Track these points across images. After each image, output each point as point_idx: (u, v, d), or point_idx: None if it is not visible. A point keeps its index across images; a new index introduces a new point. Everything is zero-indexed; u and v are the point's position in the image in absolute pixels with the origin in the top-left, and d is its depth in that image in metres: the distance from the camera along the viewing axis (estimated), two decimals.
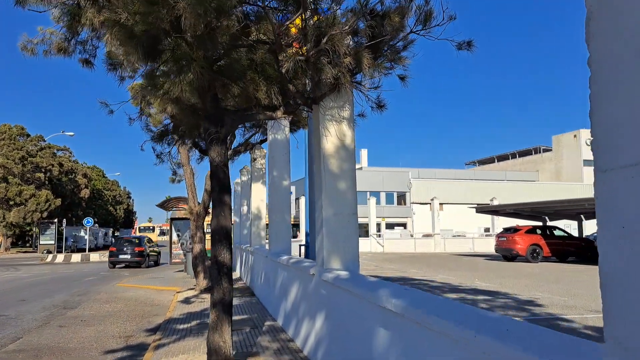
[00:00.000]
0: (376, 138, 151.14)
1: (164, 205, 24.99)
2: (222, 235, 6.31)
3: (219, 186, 6.46)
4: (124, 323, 11.08)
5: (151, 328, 10.36)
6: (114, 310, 12.98)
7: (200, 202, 16.07)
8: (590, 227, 39.58)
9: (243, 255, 19.52)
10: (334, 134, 6.75)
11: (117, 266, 28.27)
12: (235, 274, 21.55)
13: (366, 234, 46.78)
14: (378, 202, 52.11)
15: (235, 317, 10.78)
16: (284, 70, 5.80)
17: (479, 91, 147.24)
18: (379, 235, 45.58)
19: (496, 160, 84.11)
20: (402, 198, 56.82)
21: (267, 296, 12.10)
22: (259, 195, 15.57)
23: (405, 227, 53.87)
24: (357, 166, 65.29)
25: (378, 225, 48.17)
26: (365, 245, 43.97)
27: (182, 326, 10.09)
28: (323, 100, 6.67)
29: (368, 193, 51.75)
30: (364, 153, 65.84)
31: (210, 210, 16.84)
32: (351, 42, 6.26)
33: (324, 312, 6.51)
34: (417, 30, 6.51)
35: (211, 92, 6.54)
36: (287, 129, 11.39)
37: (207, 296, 14.01)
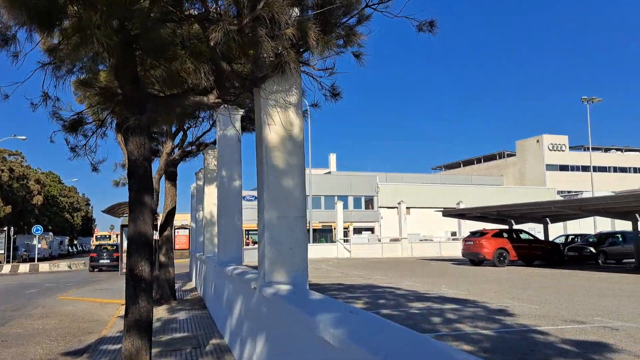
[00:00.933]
0: (344, 142, 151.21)
1: (112, 210, 23.49)
2: (141, 244, 5.21)
3: (138, 185, 5.37)
4: (50, 343, 9.79)
5: (79, 349, 9.11)
6: (45, 327, 11.62)
7: None
8: (555, 230, 39.68)
9: (197, 263, 18.29)
10: (279, 123, 5.76)
11: (95, 270, 31.86)
12: (191, 284, 20.28)
13: (333, 238, 46.17)
14: (345, 207, 51.70)
15: (177, 335, 9.62)
16: (212, 43, 4.76)
17: (444, 98, 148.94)
18: (346, 240, 44.79)
19: (462, 165, 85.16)
20: (369, 202, 56.51)
21: (216, 310, 10.98)
22: (212, 199, 14.43)
23: (372, 232, 53.53)
24: (326, 170, 64.14)
25: (345, 230, 47.67)
26: (332, 250, 43.12)
27: (114, 347, 8.88)
28: (265, 82, 5.67)
29: (336, 197, 51.37)
30: (332, 157, 66.24)
31: (159, 216, 15.59)
32: (296, 12, 5.27)
33: (264, 333, 5.48)
34: (374, 4, 5.60)
35: (130, 72, 5.44)
36: (238, 124, 10.33)
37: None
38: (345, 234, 47.10)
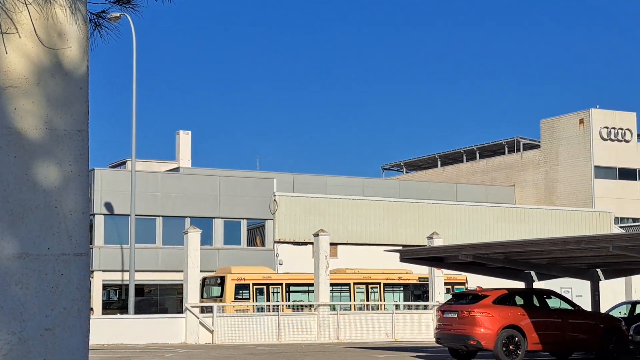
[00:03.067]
0: (214, 109, 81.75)
1: None
2: None
3: None
4: None
5: None
6: None
7: None
8: (610, 291, 23.98)
9: None
10: (30, 31, 2.80)
11: None
12: None
13: (179, 304, 24.51)
14: (208, 241, 27.58)
15: None
16: None
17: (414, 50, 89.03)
18: (207, 310, 22.29)
19: (439, 163, 47.50)
20: (258, 232, 30.71)
21: None
22: None
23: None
24: (172, 165, 39.63)
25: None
26: (176, 329, 21.52)
27: None
28: None
29: (187, 220, 27.05)
30: (183, 140, 36.30)
31: None
32: None
33: None
34: None
35: None
36: None
37: None
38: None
